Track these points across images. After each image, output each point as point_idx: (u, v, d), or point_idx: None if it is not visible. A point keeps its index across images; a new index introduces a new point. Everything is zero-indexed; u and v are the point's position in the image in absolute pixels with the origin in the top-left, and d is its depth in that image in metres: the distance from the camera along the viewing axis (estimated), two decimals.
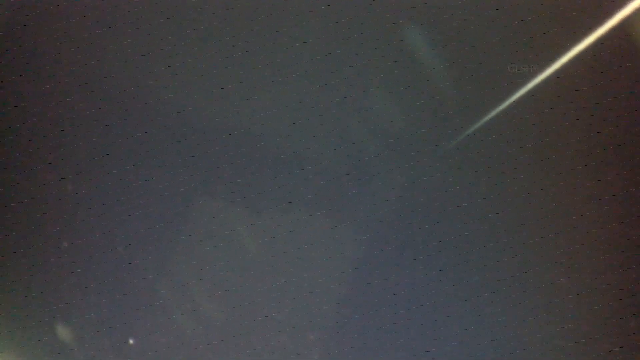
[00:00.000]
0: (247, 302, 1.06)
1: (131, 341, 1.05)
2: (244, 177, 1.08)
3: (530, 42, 1.06)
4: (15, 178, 1.12)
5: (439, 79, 1.07)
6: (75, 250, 1.09)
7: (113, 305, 1.08)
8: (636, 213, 1.01)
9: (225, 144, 1.08)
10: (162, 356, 1.06)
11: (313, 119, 1.09)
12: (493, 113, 1.06)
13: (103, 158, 1.10)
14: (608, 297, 0.99)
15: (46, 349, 1.08)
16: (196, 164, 1.09)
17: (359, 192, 1.06)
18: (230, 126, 1.09)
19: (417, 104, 1.08)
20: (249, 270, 1.07)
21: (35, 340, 1.08)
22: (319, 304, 1.05)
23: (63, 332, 1.07)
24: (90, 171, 1.10)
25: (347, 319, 1.03)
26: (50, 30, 1.14)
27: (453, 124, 1.06)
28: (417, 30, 1.09)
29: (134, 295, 1.07)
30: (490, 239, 1.04)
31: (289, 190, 1.07)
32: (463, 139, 1.06)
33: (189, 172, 1.09)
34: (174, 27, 1.12)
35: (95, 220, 1.09)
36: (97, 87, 1.12)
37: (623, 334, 0.98)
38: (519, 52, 1.05)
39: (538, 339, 1.00)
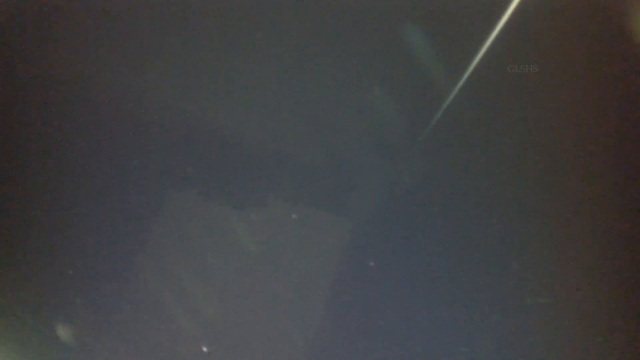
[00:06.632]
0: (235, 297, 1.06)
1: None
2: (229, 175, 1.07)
3: (530, 42, 1.05)
4: (12, 180, 1.12)
5: (436, 79, 1.07)
6: (73, 250, 1.09)
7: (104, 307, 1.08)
8: (637, 212, 1.01)
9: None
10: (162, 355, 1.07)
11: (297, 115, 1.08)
12: (492, 113, 1.05)
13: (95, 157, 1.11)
14: (610, 296, 0.99)
15: (45, 349, 1.08)
16: (175, 161, 1.08)
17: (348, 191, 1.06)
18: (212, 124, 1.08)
19: (414, 105, 1.08)
20: (235, 269, 1.06)
21: (34, 341, 1.08)
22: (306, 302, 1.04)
23: (62, 332, 1.08)
24: (87, 170, 1.11)
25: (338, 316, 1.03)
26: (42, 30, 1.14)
27: (451, 125, 1.06)
28: (415, 30, 1.08)
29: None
30: (486, 240, 1.04)
31: (271, 188, 1.06)
32: (461, 140, 1.06)
33: (167, 168, 1.08)
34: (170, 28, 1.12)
35: (90, 219, 1.10)
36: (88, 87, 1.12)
37: (624, 335, 0.99)
38: (519, 52, 1.05)
39: (538, 339, 1.01)
